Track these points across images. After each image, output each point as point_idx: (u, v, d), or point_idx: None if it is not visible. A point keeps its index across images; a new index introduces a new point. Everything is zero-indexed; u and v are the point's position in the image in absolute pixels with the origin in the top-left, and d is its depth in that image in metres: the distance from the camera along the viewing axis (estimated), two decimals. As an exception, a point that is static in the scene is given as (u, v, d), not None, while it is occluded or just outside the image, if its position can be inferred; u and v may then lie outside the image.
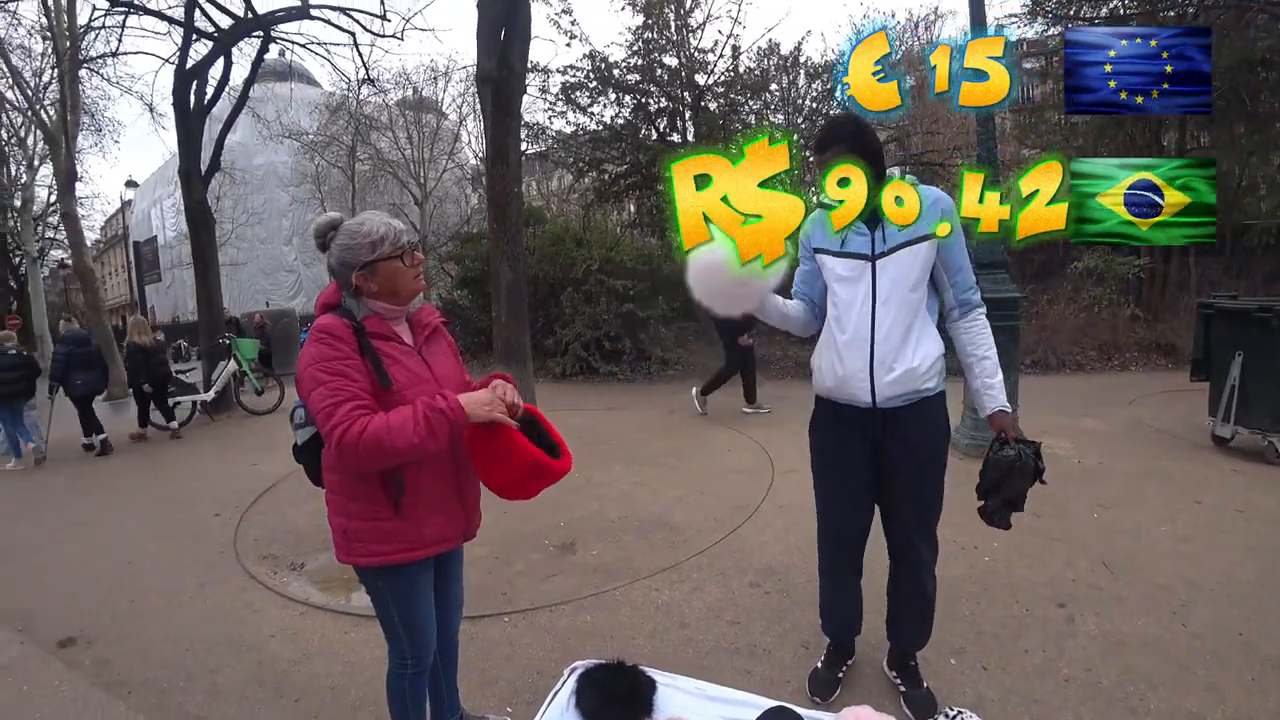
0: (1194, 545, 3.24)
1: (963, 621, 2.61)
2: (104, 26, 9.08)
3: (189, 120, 8.55)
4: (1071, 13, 11.63)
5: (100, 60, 9.71)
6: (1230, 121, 10.96)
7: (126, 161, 71.89)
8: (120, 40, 9.09)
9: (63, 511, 5.02)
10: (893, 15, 25.93)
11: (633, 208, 14.00)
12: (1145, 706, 2.06)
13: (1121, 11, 11.25)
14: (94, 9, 9.30)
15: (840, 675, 2.25)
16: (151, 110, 10.74)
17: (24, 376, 6.75)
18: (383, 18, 8.60)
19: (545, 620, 2.79)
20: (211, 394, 8.49)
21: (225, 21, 8.72)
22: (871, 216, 1.92)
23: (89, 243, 15.78)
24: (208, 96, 8.85)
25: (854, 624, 2.26)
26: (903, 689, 2.15)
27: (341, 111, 17.98)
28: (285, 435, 6.52)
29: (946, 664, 2.35)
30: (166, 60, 9.21)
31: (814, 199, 2.02)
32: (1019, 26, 13.48)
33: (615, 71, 12.26)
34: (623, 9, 12.48)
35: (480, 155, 25.30)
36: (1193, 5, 10.64)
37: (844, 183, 1.81)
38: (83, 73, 10.85)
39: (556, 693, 2.11)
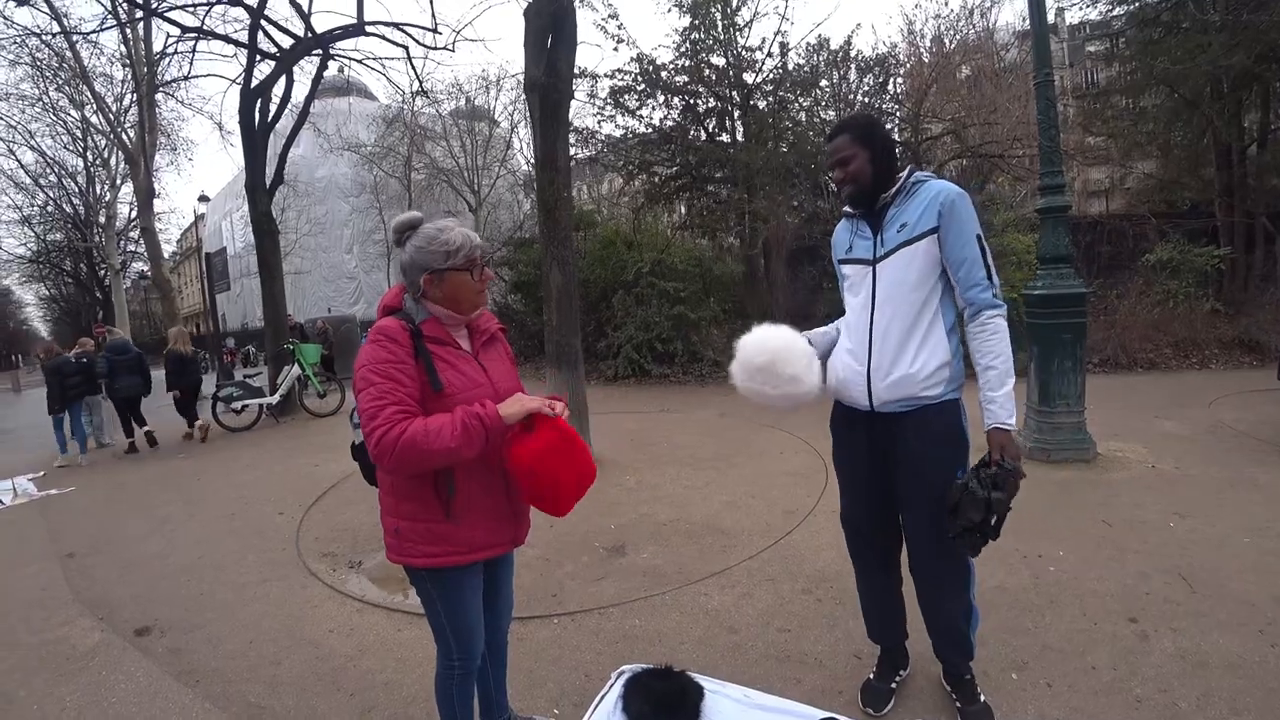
0: (1281, 560, 2.98)
1: (1025, 635, 2.48)
2: (177, 52, 9.65)
3: (254, 137, 9.01)
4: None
5: (174, 84, 10.33)
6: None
7: (199, 177, 76.51)
8: (191, 64, 9.64)
9: (145, 508, 5.33)
10: (945, 3, 25.21)
11: (683, 209, 13.98)
12: None
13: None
14: (168, 36, 9.86)
15: (893, 686, 2.17)
16: (220, 128, 11.36)
17: (84, 380, 7.71)
18: (434, 30, 8.86)
19: (594, 623, 2.79)
20: (277, 397, 8.90)
21: (286, 41, 9.17)
22: (875, 220, 1.92)
23: (165, 255, 16.80)
24: (271, 114, 9.30)
25: (893, 629, 2.19)
26: (958, 704, 2.06)
27: (397, 123, 18.56)
28: (345, 438, 6.72)
29: (1008, 679, 2.23)
30: (233, 81, 9.72)
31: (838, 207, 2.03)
32: (1080, 8, 12.89)
33: (663, 74, 12.26)
34: (669, 11, 12.47)
35: (531, 161, 25.71)
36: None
37: (843, 164, 1.89)
38: (159, 96, 11.55)
39: (604, 696, 2.11)
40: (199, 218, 19.72)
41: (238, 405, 8.59)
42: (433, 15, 8.70)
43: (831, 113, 12.96)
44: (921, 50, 15.92)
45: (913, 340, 1.87)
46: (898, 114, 13.34)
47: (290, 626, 3.01)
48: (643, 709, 1.98)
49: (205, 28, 8.89)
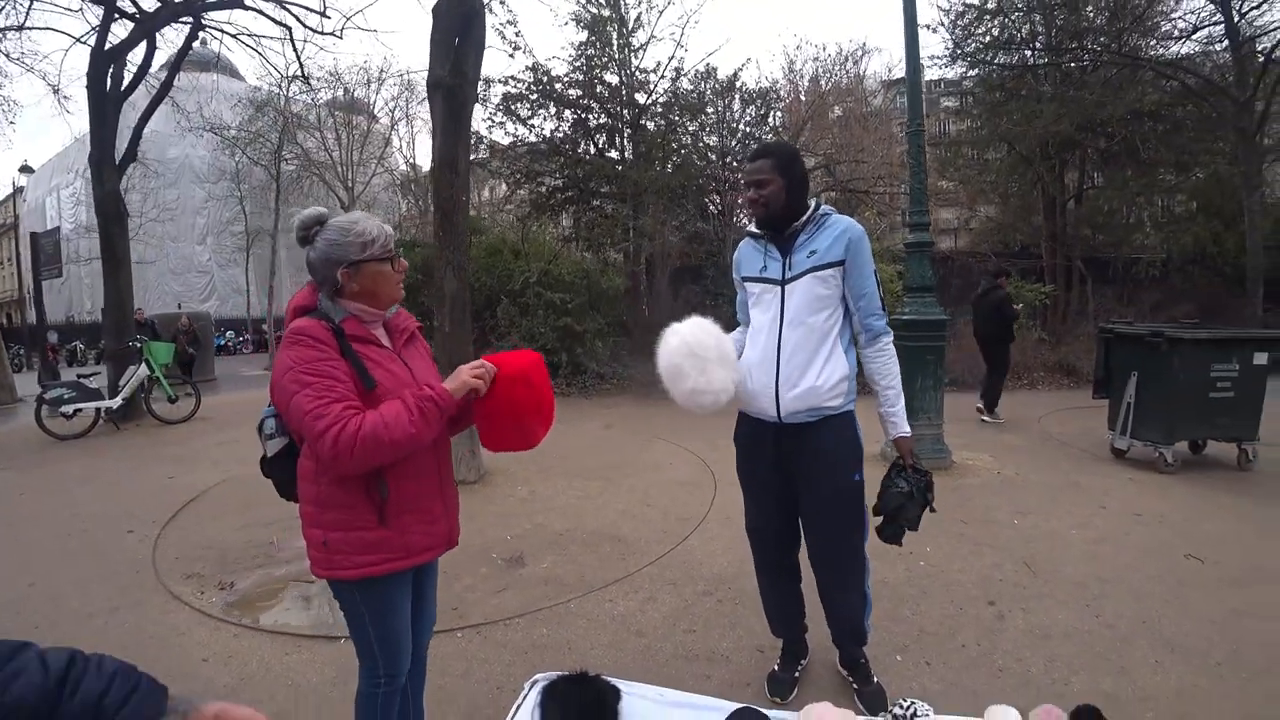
0: (1102, 546, 3.60)
1: (905, 622, 2.77)
2: (10, -3, 8.34)
3: (104, 105, 7.97)
4: (988, 58, 12.54)
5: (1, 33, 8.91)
6: (1122, 166, 12.10)
7: (21, 145, 65.85)
8: (28, 14, 8.31)
9: (-56, 530, 4.53)
10: (824, 48, 27.34)
11: (567, 222, 14.04)
12: (1070, 690, 2.27)
13: (1031, 61, 12.25)
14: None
15: (796, 675, 2.34)
16: (56, 91, 9.94)
17: None
18: (322, 14, 8.33)
19: (500, 635, 2.74)
20: (119, 401, 7.87)
21: (148, 3, 8.21)
22: (784, 244, 2.09)
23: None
24: (126, 82, 8.28)
25: (795, 623, 2.36)
26: (855, 686, 2.27)
27: (268, 107, 17.16)
28: (202, 445, 6.20)
29: (893, 661, 2.49)
30: (78, 40, 8.57)
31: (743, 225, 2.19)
32: (940, 67, 14.52)
33: (557, 85, 12.29)
34: (566, 24, 12.57)
35: (410, 161, 24.81)
36: (1090, 59, 11.70)
37: (760, 185, 2.03)
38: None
39: (519, 707, 2.07)
40: (18, 190, 17.04)
41: (69, 409, 7.51)
42: (322, -3, 8.24)
43: (715, 139, 13.64)
44: (800, 89, 17.19)
45: (819, 356, 2.05)
46: (776, 147, 14.22)
47: (154, 657, 2.67)
48: (560, 716, 1.97)
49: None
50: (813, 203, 2.11)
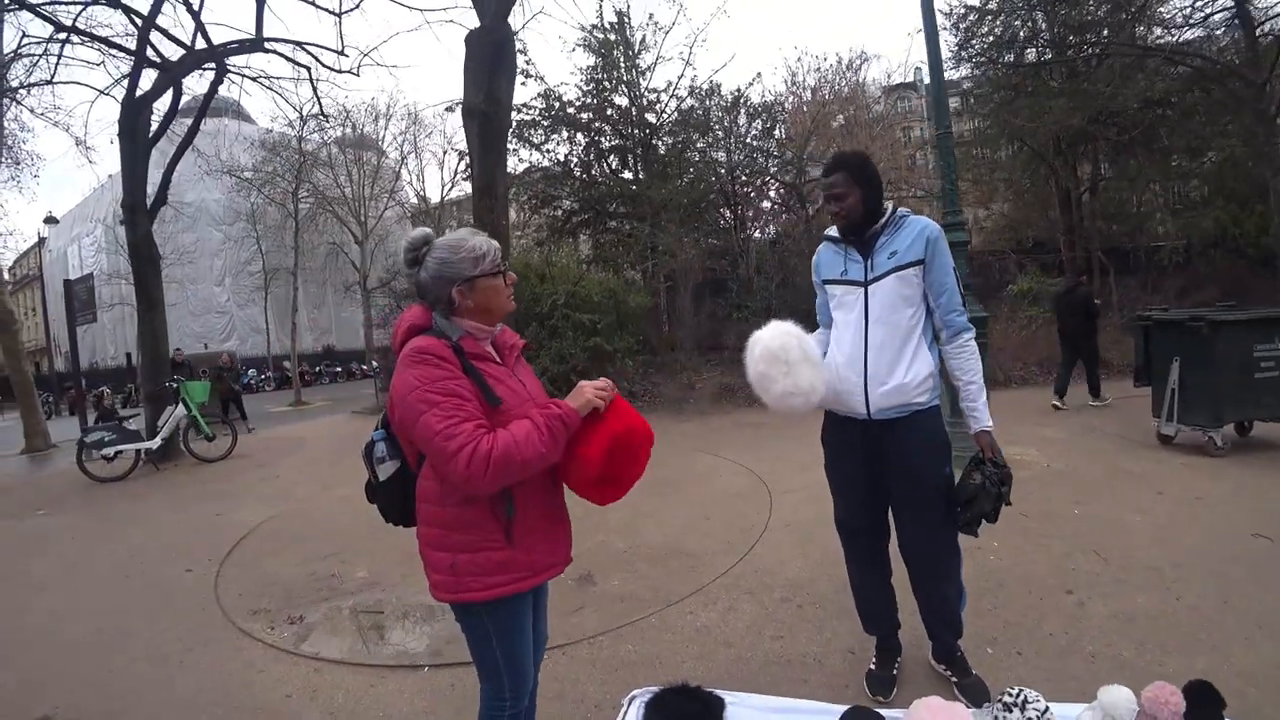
0: (1168, 531, 3.58)
1: (987, 615, 2.75)
2: (44, 54, 8.60)
3: (135, 152, 8.16)
4: (993, 57, 12.60)
5: (29, 89, 9.15)
6: (1135, 155, 12.07)
7: (45, 198, 67.31)
8: (56, 68, 8.55)
9: (7, 576, 4.55)
10: (824, 58, 27.59)
11: (585, 244, 14.17)
12: (1165, 671, 2.23)
13: (1038, 58, 12.29)
14: (23, 35, 8.78)
15: (894, 673, 2.33)
16: (79, 143, 10.17)
17: None
18: (340, 53, 8.54)
19: (586, 653, 2.72)
20: (158, 441, 7.96)
21: (172, 51, 8.44)
22: (865, 245, 2.14)
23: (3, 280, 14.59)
24: (153, 129, 8.49)
25: (891, 620, 2.36)
26: (953, 679, 2.26)
27: (281, 148, 17.49)
28: (244, 481, 6.25)
29: (984, 653, 2.47)
30: (103, 92, 8.81)
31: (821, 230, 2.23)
32: (944, 70, 14.62)
33: (568, 110, 12.48)
34: (574, 50, 12.78)
35: (421, 194, 25.19)
36: (1097, 50, 11.73)
37: (839, 199, 2.08)
38: (3, 101, 10.21)
39: (624, 722, 2.06)
40: (41, 241, 17.38)
41: (109, 451, 7.60)
42: (340, 36, 8.42)
43: (723, 154, 13.76)
44: (803, 100, 17.34)
45: (905, 354, 2.09)
46: (781, 157, 14.38)
47: (237, 697, 2.66)
48: (670, 729, 1.95)
49: (79, 28, 7.99)
50: (889, 205, 2.17)
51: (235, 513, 5.65)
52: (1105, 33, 11.51)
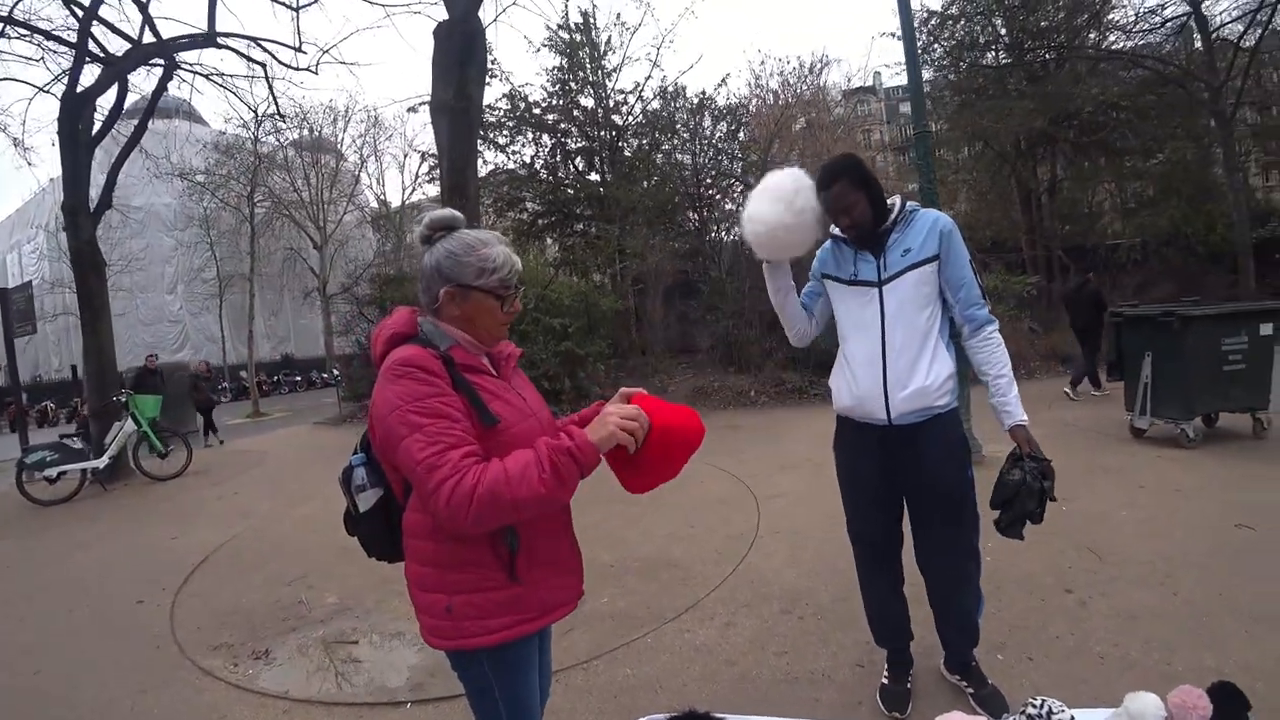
0: (1155, 524, 3.62)
1: (992, 619, 2.66)
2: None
3: (77, 151, 7.67)
4: (949, 62, 12.83)
5: (-45, 89, 8.59)
6: (1093, 156, 12.41)
7: None
8: None
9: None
10: (787, 61, 27.96)
11: (551, 247, 13.99)
12: (1174, 670, 2.24)
13: (997, 63, 12.55)
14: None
15: (909, 686, 2.24)
16: (16, 144, 9.59)
17: None
18: (298, 49, 8.17)
19: (580, 680, 2.55)
20: (105, 460, 7.49)
21: (118, 45, 7.98)
22: (877, 244, 2.05)
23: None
24: (96, 127, 8.01)
25: (902, 630, 2.27)
26: (969, 690, 2.17)
27: (235, 150, 16.86)
28: (199, 500, 5.89)
29: (995, 660, 2.41)
30: (41, 89, 8.29)
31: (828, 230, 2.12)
32: (897, 73, 14.87)
33: (534, 111, 12.29)
34: (539, 50, 12.61)
35: (381, 197, 24.64)
36: (1052, 55, 12.04)
37: (847, 210, 1.99)
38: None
39: (631, 757, 1.91)
40: (-23, 251, 16.44)
41: (52, 472, 7.11)
42: (297, 32, 8.01)
43: (689, 157, 13.74)
44: (766, 103, 17.45)
45: (925, 355, 1.99)
46: (745, 160, 14.43)
47: (198, 743, 2.43)
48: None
49: (15, 19, 7.46)
50: (895, 200, 2.06)
51: (192, 535, 5.31)
52: (1061, 38, 11.82)
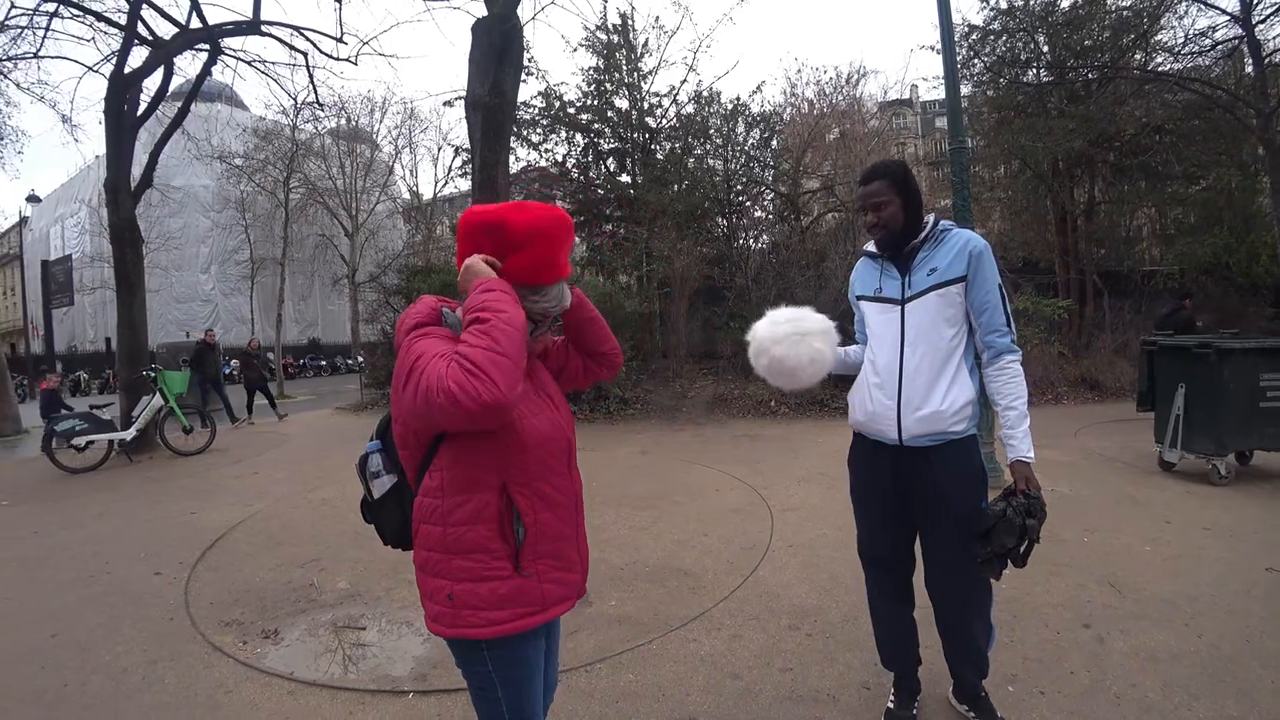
0: (1180, 562, 3.49)
1: (1005, 649, 2.63)
2: (30, 25, 8.30)
3: (121, 131, 7.89)
4: (988, 78, 12.62)
5: (11, 63, 8.87)
6: (1134, 179, 12.12)
7: (26, 176, 66.10)
8: (43, 42, 8.28)
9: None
10: (824, 71, 27.76)
11: (582, 247, 14.01)
12: (1195, 717, 2.16)
13: (1038, 80, 12.31)
14: (12, 5, 8.47)
15: (914, 713, 2.20)
16: (65, 120, 9.88)
17: None
18: (339, 39, 8.31)
19: (583, 683, 2.53)
20: (132, 432, 7.66)
21: (166, 28, 8.19)
22: (903, 262, 2.02)
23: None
24: (141, 108, 8.22)
25: (910, 654, 2.23)
26: None
27: (273, 136, 17.20)
28: (219, 478, 6.02)
29: (1005, 692, 2.35)
30: (90, 68, 8.55)
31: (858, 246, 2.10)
32: (934, 86, 14.67)
33: (569, 110, 12.33)
34: (576, 50, 12.65)
35: (414, 189, 24.96)
36: (1095, 74, 11.78)
37: (877, 208, 1.97)
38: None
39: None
40: (23, 220, 16.96)
41: (80, 441, 7.30)
42: (339, 23, 8.19)
43: (720, 163, 13.68)
44: (800, 112, 17.34)
45: (943, 378, 1.95)
46: (777, 168, 14.35)
47: None
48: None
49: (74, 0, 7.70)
50: (930, 218, 2.03)
51: (210, 512, 5.41)
52: (1105, 57, 11.56)
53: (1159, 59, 11.66)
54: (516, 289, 1.29)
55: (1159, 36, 11.52)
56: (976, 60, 12.43)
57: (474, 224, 1.34)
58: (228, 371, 16.29)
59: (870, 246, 2.12)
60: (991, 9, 11.96)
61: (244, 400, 11.65)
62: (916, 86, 27.57)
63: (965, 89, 13.26)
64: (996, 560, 1.87)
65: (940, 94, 14.34)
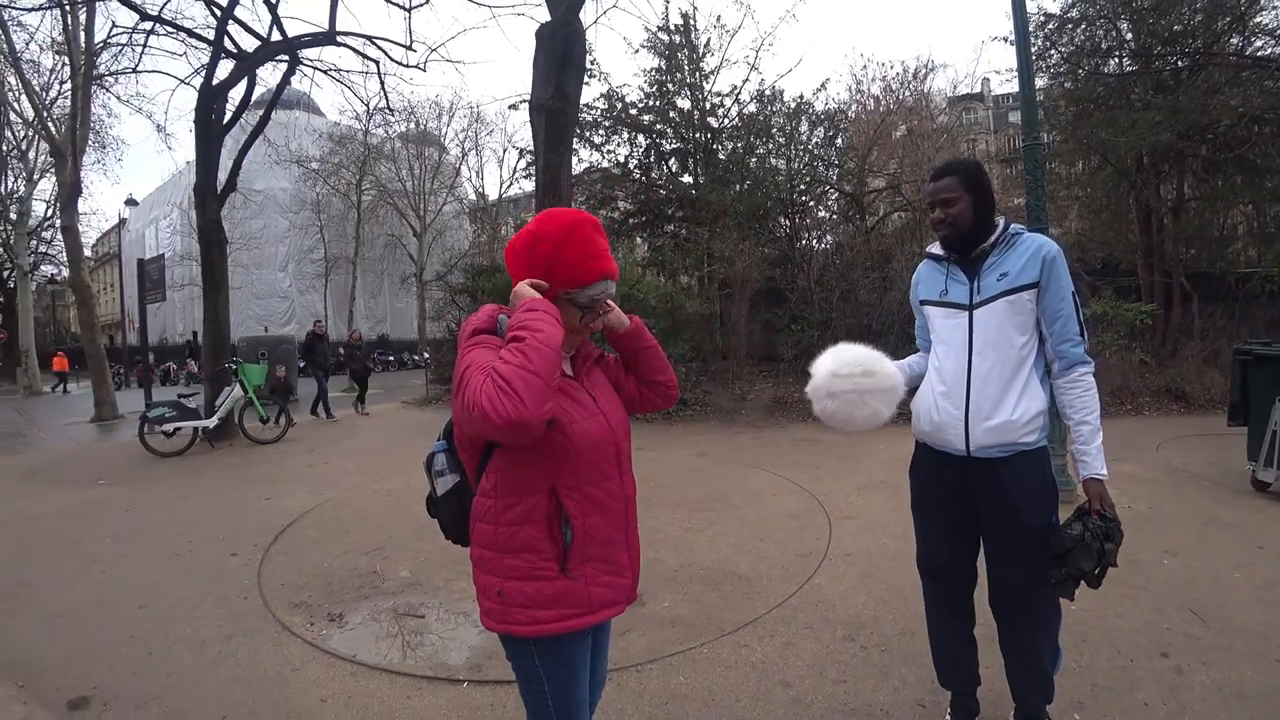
0: (1274, 592, 3.21)
1: (1073, 674, 2.49)
2: (128, 44, 9.01)
3: (209, 139, 8.45)
4: (1065, 70, 11.98)
5: (114, 76, 9.62)
6: (1228, 174, 11.28)
7: (126, 180, 71.87)
8: (141, 58, 8.99)
9: (66, 544, 4.68)
10: (890, 66, 27.00)
11: (643, 247, 14.07)
12: None
13: (1121, 70, 11.61)
14: (112, 25, 9.21)
15: None
16: (159, 129, 10.65)
17: None
18: (409, 47, 8.63)
19: (634, 682, 2.56)
20: (215, 420, 8.18)
21: (249, 42, 8.71)
22: (970, 265, 1.93)
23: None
24: (226, 117, 8.77)
25: (969, 674, 2.14)
26: None
27: (347, 140, 18.01)
28: (293, 466, 6.31)
29: (1070, 719, 2.24)
30: (183, 81, 9.17)
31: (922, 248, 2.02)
32: (1007, 80, 14.00)
33: (631, 111, 12.40)
34: (638, 52, 12.72)
35: (480, 190, 25.65)
36: (1185, 62, 11.02)
37: (946, 204, 1.89)
38: (92, 89, 10.75)
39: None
40: (122, 222, 18.38)
41: (169, 428, 7.83)
42: (409, 31, 8.61)
43: (783, 162, 13.47)
44: (865, 109, 16.89)
45: (1014, 388, 1.87)
46: (841, 166, 14.02)
47: (271, 696, 2.59)
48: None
49: (164, 18, 8.34)
50: (1001, 221, 1.94)
51: (284, 498, 5.71)
52: (1196, 42, 10.78)
53: (1258, 43, 10.79)
54: (567, 292, 1.37)
55: (1258, 19, 10.65)
56: (1053, 51, 11.82)
57: (515, 248, 1.43)
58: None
59: (934, 248, 2.05)
60: (1069, -5, 11.36)
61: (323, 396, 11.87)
62: (988, 80, 26.40)
63: (1040, 81, 12.61)
64: (1071, 581, 1.80)
65: (1013, 87, 13.70)
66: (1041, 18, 11.54)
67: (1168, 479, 5.47)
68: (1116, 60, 11.69)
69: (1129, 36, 11.30)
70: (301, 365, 8.30)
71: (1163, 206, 11.86)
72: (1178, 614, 2.98)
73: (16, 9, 10.70)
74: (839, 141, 14.11)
